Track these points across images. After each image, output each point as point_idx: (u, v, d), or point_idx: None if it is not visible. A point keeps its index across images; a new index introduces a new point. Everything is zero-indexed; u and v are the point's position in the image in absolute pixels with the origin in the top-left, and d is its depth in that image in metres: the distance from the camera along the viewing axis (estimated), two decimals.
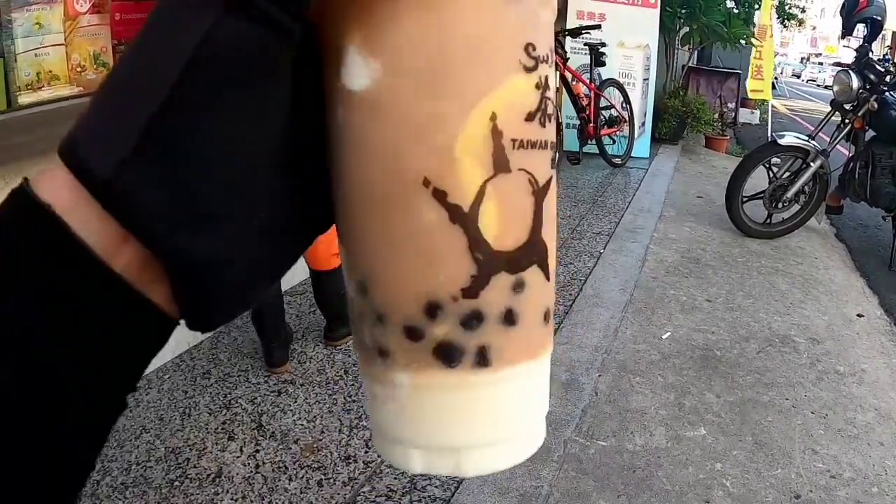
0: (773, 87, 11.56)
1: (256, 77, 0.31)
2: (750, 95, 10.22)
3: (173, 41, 0.30)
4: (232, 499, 2.54)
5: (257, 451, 2.78)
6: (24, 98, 2.69)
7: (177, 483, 2.60)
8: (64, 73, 2.82)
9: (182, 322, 0.34)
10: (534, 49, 0.35)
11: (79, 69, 2.89)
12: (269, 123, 0.33)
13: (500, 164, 0.34)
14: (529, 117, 0.35)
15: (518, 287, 0.36)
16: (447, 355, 0.35)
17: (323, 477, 2.65)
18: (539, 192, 0.36)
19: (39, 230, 0.30)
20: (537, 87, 0.35)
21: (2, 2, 2.62)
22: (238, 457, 2.74)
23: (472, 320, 0.35)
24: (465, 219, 0.34)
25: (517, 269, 0.35)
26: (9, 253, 0.30)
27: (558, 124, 6.77)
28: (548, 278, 0.37)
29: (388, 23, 0.33)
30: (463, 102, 0.33)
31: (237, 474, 2.65)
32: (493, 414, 0.37)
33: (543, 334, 0.38)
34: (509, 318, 0.36)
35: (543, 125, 0.36)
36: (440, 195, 0.33)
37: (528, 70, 0.35)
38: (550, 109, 0.36)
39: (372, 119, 0.33)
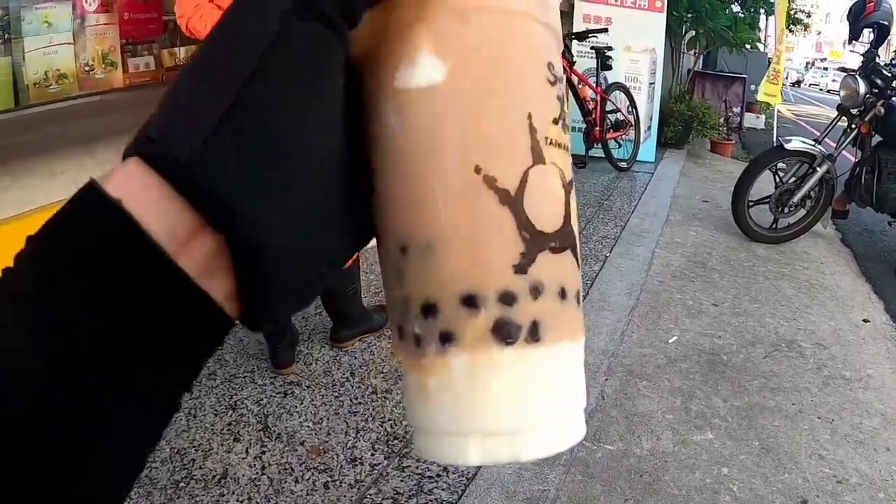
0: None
1: (317, 73, 0.34)
2: (767, 100, 10.15)
3: (251, 36, 0.33)
4: (237, 500, 2.53)
5: (263, 452, 2.78)
6: (32, 96, 2.70)
7: (182, 484, 2.59)
8: (72, 72, 2.83)
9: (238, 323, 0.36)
10: (553, 67, 0.40)
11: (87, 68, 2.90)
12: (329, 113, 0.35)
13: (538, 156, 0.38)
14: (555, 122, 0.39)
15: (559, 267, 0.39)
16: (504, 331, 0.37)
17: (329, 479, 2.65)
18: (567, 187, 0.40)
19: (107, 227, 0.31)
20: (558, 98, 0.40)
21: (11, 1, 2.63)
22: (244, 458, 2.74)
23: (524, 296, 0.37)
24: (512, 201, 0.37)
25: (557, 250, 0.38)
26: (76, 253, 0.31)
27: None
28: (577, 264, 0.40)
29: (456, 28, 0.37)
30: (511, 103, 0.38)
31: (243, 476, 2.65)
32: (545, 393, 0.38)
33: (579, 316, 0.40)
34: (562, 294, 0.39)
35: (565, 131, 0.40)
36: (490, 181, 0.36)
37: (551, 83, 0.39)
38: (568, 121, 0.41)
39: (431, 115, 0.37)
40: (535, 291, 0.37)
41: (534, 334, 0.37)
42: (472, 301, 0.36)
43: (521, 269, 0.37)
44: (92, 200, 0.31)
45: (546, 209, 0.38)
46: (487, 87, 0.37)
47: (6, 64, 2.65)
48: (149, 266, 0.31)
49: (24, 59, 2.68)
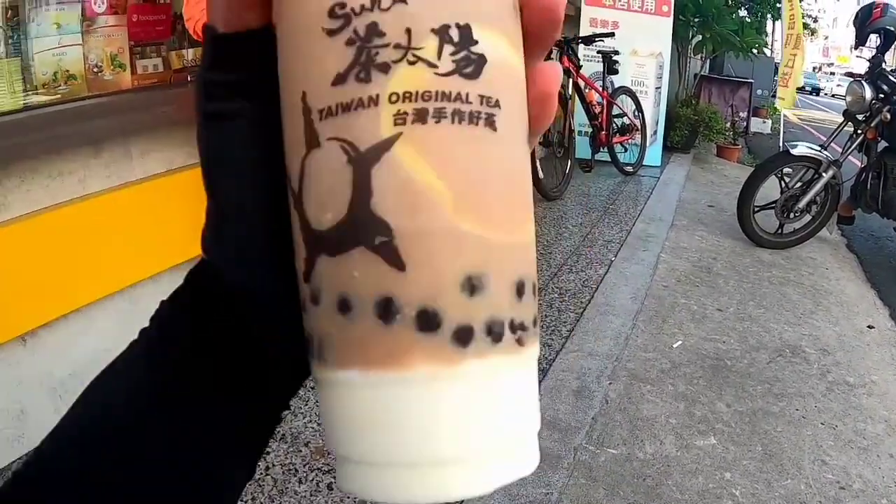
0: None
1: (241, 158, 0.38)
2: (783, 106, 10.10)
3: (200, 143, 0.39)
4: (241, 500, 2.54)
5: (267, 452, 2.79)
6: (41, 97, 2.71)
7: None
8: (81, 73, 2.84)
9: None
10: (341, 7, 0.31)
11: (95, 69, 2.91)
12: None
13: (311, 140, 0.32)
14: (338, 80, 0.31)
15: (340, 272, 0.32)
16: (308, 346, 0.34)
17: (333, 480, 2.65)
18: (361, 159, 0.31)
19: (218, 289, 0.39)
20: (349, 42, 0.31)
21: (20, 1, 2.64)
22: None
23: (309, 309, 0.34)
24: (297, 202, 0.33)
25: (336, 250, 0.32)
26: (198, 304, 0.40)
27: (570, 132, 6.80)
28: (393, 265, 0.31)
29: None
30: (288, 90, 0.33)
31: None
32: (349, 425, 0.33)
33: (391, 338, 0.31)
34: (342, 306, 0.32)
35: (365, 80, 0.31)
36: (287, 183, 0.34)
37: (333, 32, 0.31)
38: (382, 57, 0.31)
39: None
40: (314, 303, 0.33)
41: (319, 354, 0.33)
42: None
43: (306, 277, 0.33)
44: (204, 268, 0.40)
45: (319, 202, 0.32)
46: (281, 86, 0.34)
47: (15, 64, 2.67)
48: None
49: (32, 59, 2.70)
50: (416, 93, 0.31)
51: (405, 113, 0.30)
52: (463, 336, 0.31)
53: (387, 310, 0.31)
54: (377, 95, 0.31)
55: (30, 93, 2.69)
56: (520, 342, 0.33)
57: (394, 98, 0.31)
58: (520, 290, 0.33)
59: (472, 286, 0.31)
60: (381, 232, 0.30)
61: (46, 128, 2.64)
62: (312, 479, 2.65)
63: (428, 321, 0.31)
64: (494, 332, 0.31)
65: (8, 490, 0.37)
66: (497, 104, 0.32)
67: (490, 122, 0.32)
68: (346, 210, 0.31)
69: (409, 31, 0.31)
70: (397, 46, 0.31)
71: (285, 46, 0.33)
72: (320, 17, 0.31)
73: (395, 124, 0.31)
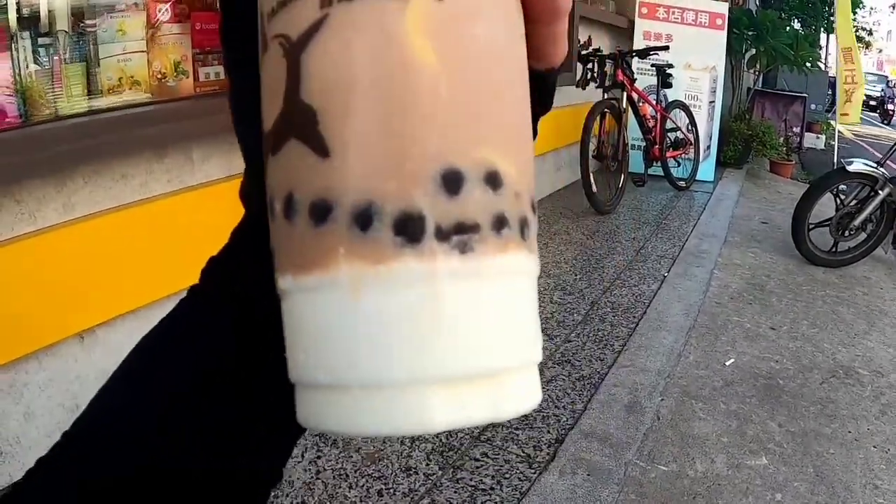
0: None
1: None
2: (845, 121, 9.98)
3: None
4: (291, 503, 2.57)
5: (319, 457, 2.81)
6: (106, 101, 2.76)
7: None
8: (145, 79, 2.89)
9: None
10: None
11: (159, 76, 2.96)
12: None
13: (264, 45, 0.31)
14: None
15: (281, 172, 0.30)
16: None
17: (383, 486, 2.67)
18: (293, 48, 0.29)
19: None
20: None
21: (86, 9, 2.70)
22: (299, 462, 2.77)
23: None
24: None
25: (276, 148, 0.29)
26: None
27: (624, 145, 6.76)
28: (320, 153, 0.28)
29: None
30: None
31: (297, 479, 2.68)
32: (289, 340, 0.30)
33: (321, 237, 0.28)
34: (286, 209, 0.29)
35: None
36: None
37: None
38: None
39: None
40: (270, 213, 0.31)
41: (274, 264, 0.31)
42: None
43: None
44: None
45: (265, 103, 0.31)
46: None
47: (81, 69, 2.73)
48: None
49: (98, 65, 2.75)
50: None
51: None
52: (395, 228, 0.27)
53: (318, 213, 0.28)
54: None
55: (95, 97, 2.74)
56: (463, 248, 0.27)
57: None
58: (449, 182, 0.28)
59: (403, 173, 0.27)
60: (312, 121, 0.28)
61: (111, 131, 2.69)
62: (363, 485, 2.67)
63: (362, 221, 0.27)
64: (408, 230, 0.27)
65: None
66: None
67: None
68: (281, 104, 0.29)
69: None
70: None
71: None
72: None
73: (322, 7, 0.28)
